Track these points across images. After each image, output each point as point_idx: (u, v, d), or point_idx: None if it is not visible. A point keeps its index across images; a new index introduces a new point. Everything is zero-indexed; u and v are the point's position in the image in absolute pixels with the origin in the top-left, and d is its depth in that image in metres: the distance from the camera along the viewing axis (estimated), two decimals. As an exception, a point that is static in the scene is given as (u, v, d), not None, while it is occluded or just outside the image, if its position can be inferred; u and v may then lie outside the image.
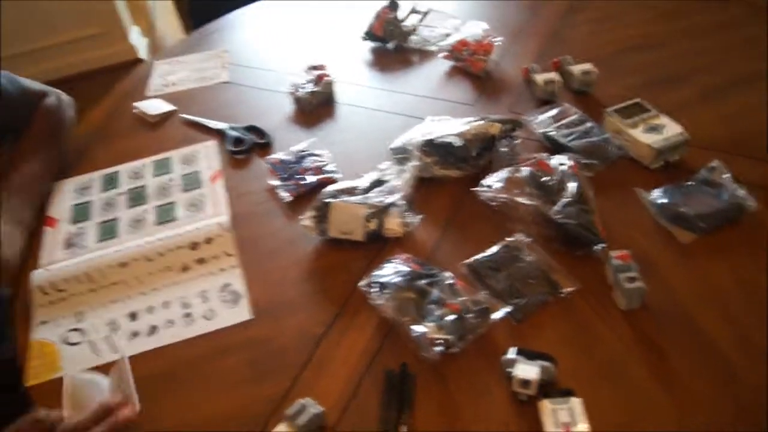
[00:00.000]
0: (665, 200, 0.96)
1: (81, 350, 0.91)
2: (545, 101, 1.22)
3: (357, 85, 1.38)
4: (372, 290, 0.86)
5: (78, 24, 3.46)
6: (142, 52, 3.70)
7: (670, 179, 1.01)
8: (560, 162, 0.98)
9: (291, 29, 1.66)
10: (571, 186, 0.94)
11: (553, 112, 1.14)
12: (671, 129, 1.05)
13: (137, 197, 1.15)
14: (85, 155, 1.28)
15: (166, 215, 1.10)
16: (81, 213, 1.14)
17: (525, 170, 0.97)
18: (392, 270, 0.88)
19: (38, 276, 0.99)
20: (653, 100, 1.11)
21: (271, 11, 1.76)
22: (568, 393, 0.73)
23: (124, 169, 1.22)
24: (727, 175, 0.98)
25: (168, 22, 4.10)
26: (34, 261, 1.04)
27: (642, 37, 1.42)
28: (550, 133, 1.09)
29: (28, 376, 0.88)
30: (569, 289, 0.87)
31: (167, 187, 1.16)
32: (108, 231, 1.09)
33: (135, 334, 0.92)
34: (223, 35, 1.66)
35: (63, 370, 0.89)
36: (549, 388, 0.75)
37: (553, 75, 1.23)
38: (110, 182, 1.20)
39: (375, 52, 1.49)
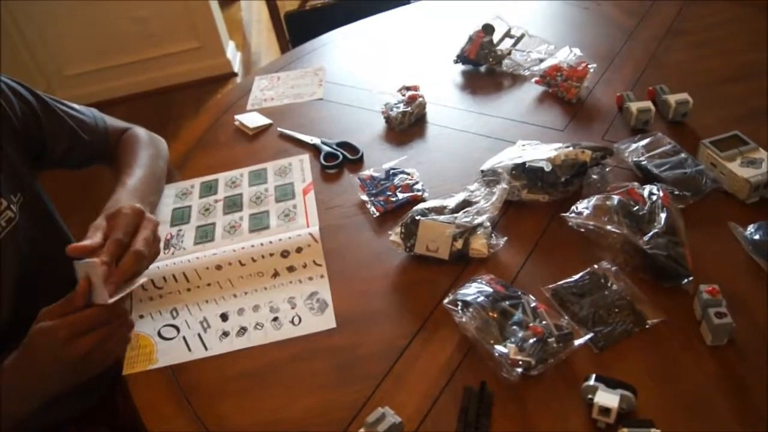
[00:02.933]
0: (760, 236, 0.94)
1: (175, 345, 0.97)
2: (638, 130, 1.21)
3: (448, 106, 1.41)
4: (455, 308, 0.88)
5: (179, 38, 3.63)
6: (236, 66, 3.85)
7: (766, 215, 0.99)
8: (651, 192, 0.97)
9: (385, 50, 1.70)
10: (662, 216, 0.93)
11: (646, 141, 1.12)
12: (770, 164, 1.02)
13: (233, 204, 1.21)
14: (187, 162, 1.35)
15: (259, 223, 1.15)
16: (180, 216, 1.21)
17: (615, 198, 0.97)
18: (476, 289, 0.89)
19: (139, 273, 1.06)
20: (751, 132, 1.08)
21: (366, 32, 1.81)
22: (648, 423, 0.72)
23: (222, 177, 1.29)
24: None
25: (261, 37, 4.27)
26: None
27: (743, 65, 1.38)
28: (642, 163, 1.08)
29: (125, 366, 0.94)
30: (654, 321, 0.87)
31: (262, 197, 1.22)
32: (204, 234, 1.15)
33: (225, 334, 0.97)
34: (320, 54, 1.72)
35: (158, 362, 0.94)
36: (628, 417, 0.74)
37: (647, 104, 1.22)
38: (209, 189, 1.26)
39: (467, 74, 1.52)
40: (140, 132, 1.29)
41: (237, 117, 1.45)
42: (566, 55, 1.38)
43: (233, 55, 3.89)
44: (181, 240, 1.15)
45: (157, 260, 1.08)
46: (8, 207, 1.02)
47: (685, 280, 0.89)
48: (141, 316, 1.02)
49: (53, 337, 0.81)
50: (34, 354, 0.84)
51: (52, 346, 0.82)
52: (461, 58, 1.52)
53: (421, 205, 1.03)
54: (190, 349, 0.96)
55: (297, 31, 2.19)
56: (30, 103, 1.12)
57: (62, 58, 3.54)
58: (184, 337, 0.98)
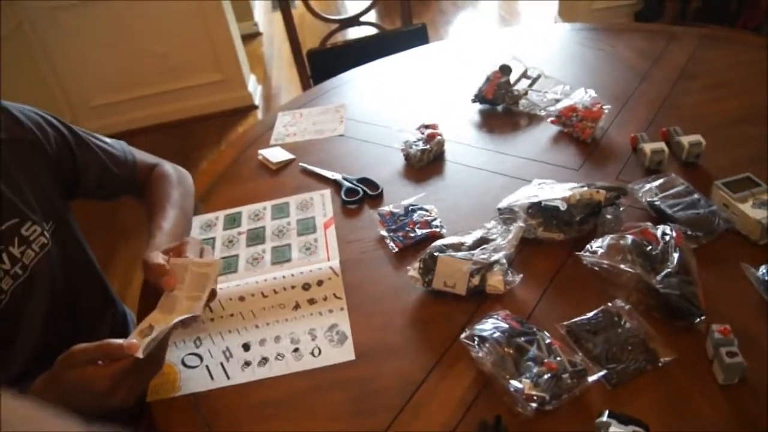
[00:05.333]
0: (772, 277, 0.96)
1: (198, 373, 0.99)
2: (652, 171, 1.24)
3: (465, 144, 1.44)
4: (472, 343, 0.90)
5: (202, 70, 3.72)
6: (257, 99, 3.93)
7: (778, 256, 1.01)
8: (664, 232, 0.99)
9: (404, 89, 1.75)
10: (675, 256, 0.95)
11: (660, 181, 1.15)
12: (782, 205, 1.04)
13: (256, 237, 1.25)
14: (211, 195, 1.39)
15: (281, 256, 1.19)
16: (205, 248, 1.24)
17: (629, 238, 0.99)
18: (492, 325, 0.92)
19: (164, 303, 1.09)
20: (763, 174, 1.11)
21: (386, 71, 1.87)
22: (661, 461, 0.74)
23: (245, 210, 1.33)
24: (840, 256, 0.96)
25: (282, 72, 4.36)
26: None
27: (755, 107, 1.40)
28: (656, 203, 1.11)
29: (149, 393, 0.97)
30: (667, 359, 0.88)
31: (284, 230, 1.25)
32: (228, 266, 1.19)
33: (247, 364, 1.00)
34: (341, 91, 1.78)
35: (181, 390, 0.97)
36: (642, 454, 0.76)
37: (661, 145, 1.25)
38: (232, 221, 1.30)
39: (484, 114, 1.56)
40: (169, 169, 1.33)
41: (260, 152, 1.50)
42: (581, 96, 1.42)
43: (254, 88, 3.97)
44: (205, 271, 1.18)
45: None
46: (42, 233, 1.06)
47: (698, 320, 0.91)
48: (166, 345, 1.05)
49: (96, 387, 0.82)
50: (69, 394, 0.84)
51: (95, 394, 0.83)
52: (479, 97, 1.56)
53: (439, 242, 1.06)
54: (212, 378, 0.98)
55: (318, 68, 2.25)
56: (64, 135, 1.16)
57: (88, 89, 3.64)
58: (207, 366, 1.00)
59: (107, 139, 1.28)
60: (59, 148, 1.15)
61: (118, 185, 1.27)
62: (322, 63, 2.23)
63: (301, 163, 1.45)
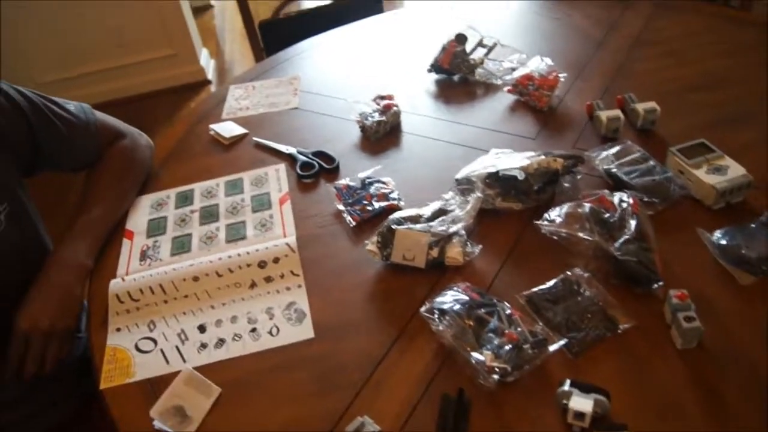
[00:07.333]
0: (727, 241, 0.97)
1: (152, 358, 0.96)
2: (608, 138, 1.24)
3: (422, 115, 1.42)
4: (432, 316, 0.89)
5: (153, 45, 3.61)
6: (210, 73, 3.84)
7: (732, 220, 1.02)
8: (621, 199, 0.99)
9: (359, 59, 1.71)
10: (632, 223, 0.95)
11: (616, 149, 1.15)
12: (735, 170, 1.05)
13: (209, 215, 1.21)
14: (163, 172, 1.35)
15: (236, 233, 1.16)
16: (156, 227, 1.20)
17: (586, 206, 0.99)
18: (452, 298, 0.91)
19: (115, 285, 1.05)
20: (717, 140, 1.11)
21: (340, 41, 1.82)
22: (621, 428, 0.74)
23: (198, 187, 1.29)
24: (792, 219, 0.97)
25: (235, 45, 4.26)
26: (112, 271, 1.10)
27: (707, 74, 1.42)
28: (612, 170, 1.11)
29: (102, 380, 0.94)
30: (626, 326, 0.89)
31: (238, 207, 1.22)
32: (181, 245, 1.15)
33: (203, 346, 0.97)
34: (295, 63, 1.73)
35: (135, 375, 0.94)
36: (602, 421, 0.76)
37: (617, 112, 1.25)
38: (185, 199, 1.26)
39: (440, 83, 1.53)
40: (126, 149, 1.27)
41: (212, 126, 1.45)
42: (537, 65, 1.40)
43: (207, 62, 3.87)
44: (157, 251, 1.14)
45: (134, 272, 1.08)
46: None
47: (655, 285, 0.91)
48: (118, 329, 1.01)
49: None
50: None
51: None
52: (435, 67, 1.53)
53: (396, 214, 1.04)
54: (168, 362, 0.96)
55: (271, 39, 2.19)
56: (20, 106, 1.08)
57: (36, 66, 3.50)
58: (161, 350, 0.97)
59: (69, 105, 1.21)
60: (16, 121, 1.07)
61: (79, 156, 1.22)
62: (275, 34, 2.17)
63: (254, 138, 1.41)
